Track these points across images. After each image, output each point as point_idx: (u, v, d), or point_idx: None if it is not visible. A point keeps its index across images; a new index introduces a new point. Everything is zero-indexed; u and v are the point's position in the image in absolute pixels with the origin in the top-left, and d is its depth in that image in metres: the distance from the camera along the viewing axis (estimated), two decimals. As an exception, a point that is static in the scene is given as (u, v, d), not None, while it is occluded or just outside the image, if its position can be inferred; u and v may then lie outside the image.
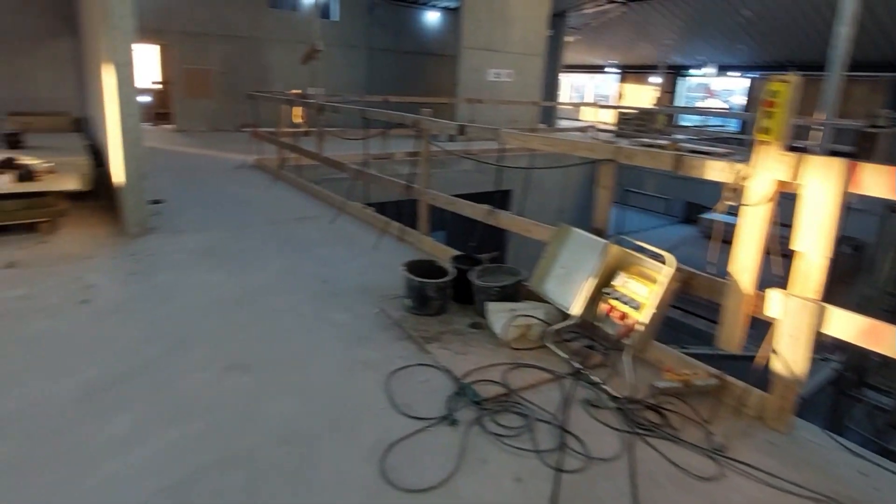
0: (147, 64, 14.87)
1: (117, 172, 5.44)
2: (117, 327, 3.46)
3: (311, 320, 3.63)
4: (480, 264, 3.89)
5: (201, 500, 2.11)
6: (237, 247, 5.08)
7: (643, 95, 26.31)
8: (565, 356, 3.15)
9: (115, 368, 2.98)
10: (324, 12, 15.42)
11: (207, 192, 7.34)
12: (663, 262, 3.00)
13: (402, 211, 5.95)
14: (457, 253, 4.44)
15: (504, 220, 4.30)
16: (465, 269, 3.77)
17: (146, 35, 12.72)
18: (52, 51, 11.19)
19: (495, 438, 2.49)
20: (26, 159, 5.66)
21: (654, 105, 22.31)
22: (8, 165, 5.39)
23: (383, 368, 3.03)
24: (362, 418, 2.62)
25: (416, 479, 2.23)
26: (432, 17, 17.91)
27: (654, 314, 2.94)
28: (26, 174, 5.33)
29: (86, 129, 9.06)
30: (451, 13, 17.79)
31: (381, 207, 6.08)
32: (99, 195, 6.55)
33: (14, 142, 6.82)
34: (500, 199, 5.42)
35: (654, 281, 3.01)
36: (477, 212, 4.53)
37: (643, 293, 3.03)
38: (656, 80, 24.88)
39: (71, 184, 5.42)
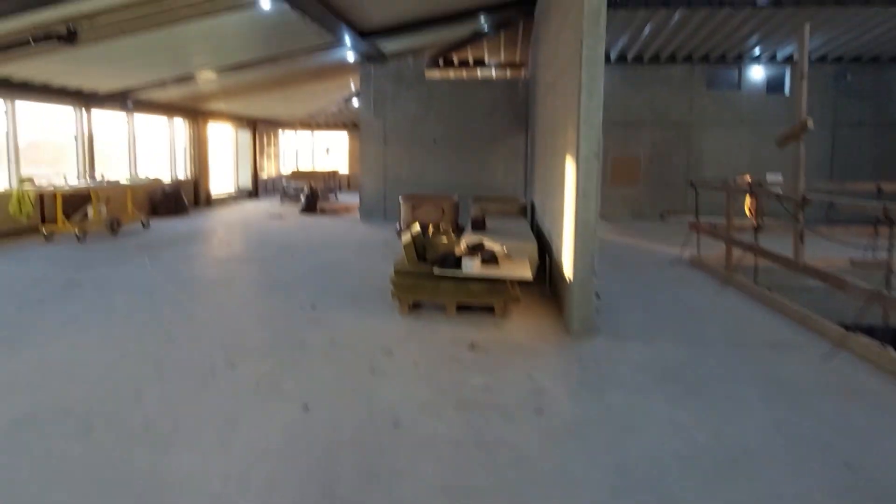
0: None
1: (566, 264, 5.34)
2: (576, 455, 2.96)
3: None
4: None
5: None
6: (697, 372, 4.15)
7: None
8: None
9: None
10: (771, 86, 13.72)
11: (642, 289, 6.75)
12: None
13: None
14: None
15: None
16: None
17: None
18: (507, 146, 13.16)
19: None
20: (489, 244, 6.09)
21: None
22: (479, 248, 5.90)
23: None
24: None
25: None
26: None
27: None
28: (490, 258, 5.73)
29: (528, 214, 9.91)
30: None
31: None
32: (541, 281, 6.75)
33: (479, 225, 7.65)
34: None
35: None
36: None
37: None
38: None
39: (524, 272, 5.49)
